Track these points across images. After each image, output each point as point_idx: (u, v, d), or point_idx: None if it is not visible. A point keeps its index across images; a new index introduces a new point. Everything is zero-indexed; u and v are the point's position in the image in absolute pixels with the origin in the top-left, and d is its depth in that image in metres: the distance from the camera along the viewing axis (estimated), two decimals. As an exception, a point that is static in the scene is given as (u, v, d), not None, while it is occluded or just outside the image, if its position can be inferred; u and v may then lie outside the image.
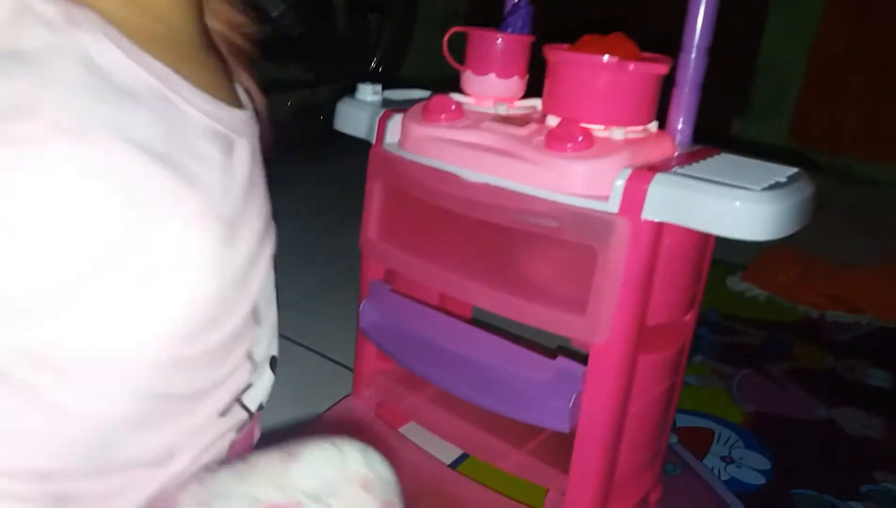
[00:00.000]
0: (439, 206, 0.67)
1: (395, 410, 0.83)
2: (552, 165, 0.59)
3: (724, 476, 0.84)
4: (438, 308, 0.76)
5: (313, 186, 1.68)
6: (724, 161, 0.63)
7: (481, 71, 0.72)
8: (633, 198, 0.56)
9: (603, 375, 0.60)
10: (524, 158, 0.61)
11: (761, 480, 0.84)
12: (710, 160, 0.62)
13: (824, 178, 2.28)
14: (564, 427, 0.62)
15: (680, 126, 0.67)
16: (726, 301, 1.31)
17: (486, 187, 0.62)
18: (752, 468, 0.86)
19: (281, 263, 0.58)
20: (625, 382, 0.61)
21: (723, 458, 0.87)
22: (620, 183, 0.56)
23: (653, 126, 0.65)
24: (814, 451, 0.91)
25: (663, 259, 0.59)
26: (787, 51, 2.34)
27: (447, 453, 0.81)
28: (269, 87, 1.88)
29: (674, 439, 0.90)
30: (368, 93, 0.78)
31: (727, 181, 0.55)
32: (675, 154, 0.64)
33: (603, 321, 0.58)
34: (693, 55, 0.64)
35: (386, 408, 0.83)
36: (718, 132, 2.51)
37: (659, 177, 0.55)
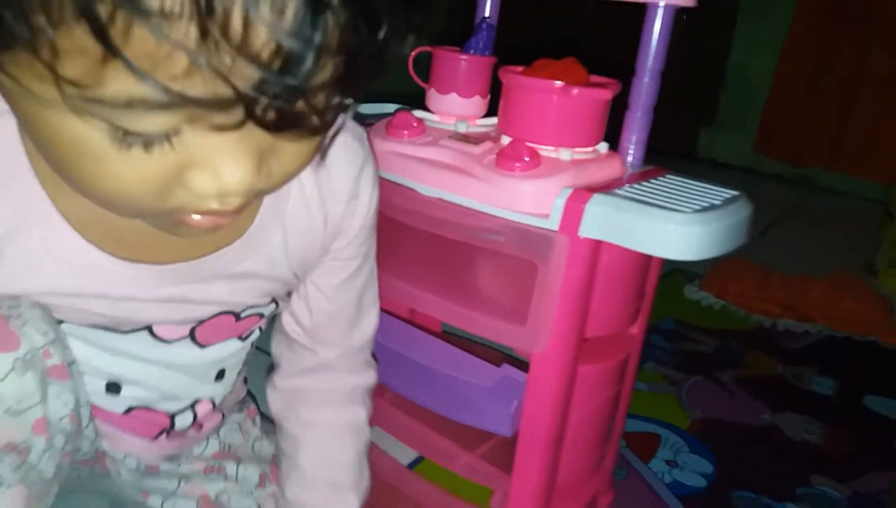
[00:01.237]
0: (396, 220, 0.70)
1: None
2: (500, 183, 0.62)
3: (668, 480, 0.88)
4: (408, 320, 0.78)
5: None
6: (668, 183, 0.66)
7: (444, 90, 0.75)
8: (572, 217, 0.59)
9: (542, 383, 0.63)
10: (475, 175, 0.64)
11: (703, 483, 0.88)
12: (653, 182, 0.66)
13: (788, 189, 2.35)
14: (506, 432, 0.65)
15: (631, 148, 0.70)
16: (682, 309, 1.35)
17: (440, 203, 0.65)
18: (695, 471, 0.90)
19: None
20: (564, 390, 0.64)
21: (667, 462, 0.91)
22: (560, 202, 0.59)
23: (602, 147, 0.69)
24: (755, 455, 0.95)
25: (602, 275, 0.62)
26: (755, 62, 2.39)
27: (406, 455, 0.84)
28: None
29: (622, 444, 0.93)
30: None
31: (661, 203, 0.59)
32: (623, 175, 0.68)
33: (542, 332, 0.61)
34: (646, 79, 0.67)
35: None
36: (686, 142, 2.57)
37: (596, 197, 0.59)
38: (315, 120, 0.32)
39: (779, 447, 0.98)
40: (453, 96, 0.74)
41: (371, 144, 0.70)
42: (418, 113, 0.75)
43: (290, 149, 0.36)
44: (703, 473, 0.90)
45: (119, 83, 0.28)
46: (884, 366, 1.24)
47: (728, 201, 0.61)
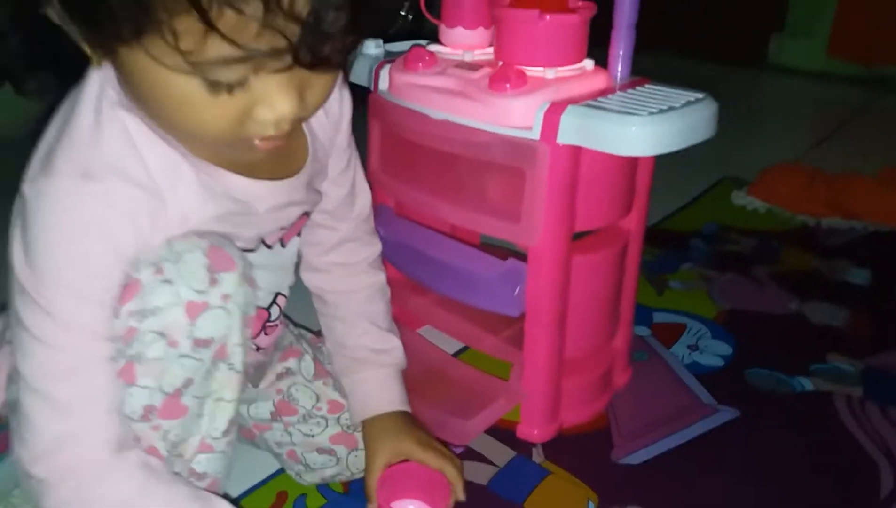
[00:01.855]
0: (415, 141, 0.82)
1: (412, 314, 1.00)
2: (493, 102, 0.73)
3: (687, 361, 0.98)
4: (448, 233, 0.91)
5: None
6: (644, 92, 0.75)
7: (451, 23, 0.86)
8: (550, 127, 0.69)
9: (540, 271, 0.75)
10: (473, 97, 0.75)
11: (720, 363, 0.98)
12: (631, 92, 0.75)
13: (862, 90, 2.28)
14: (514, 312, 0.78)
15: (618, 62, 0.79)
16: (727, 215, 1.41)
17: (446, 123, 0.77)
18: (715, 353, 0.99)
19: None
20: (559, 277, 0.76)
21: (689, 347, 1.01)
22: (540, 115, 0.70)
23: (588, 64, 0.78)
24: (775, 338, 1.03)
25: (584, 175, 0.73)
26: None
27: (451, 346, 0.98)
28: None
29: (647, 332, 1.04)
30: (371, 47, 0.93)
31: (626, 110, 0.68)
32: (606, 87, 0.77)
33: (534, 228, 0.73)
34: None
35: (404, 313, 1.00)
36: (756, 50, 2.52)
37: (570, 109, 0.69)
38: (338, 57, 0.46)
39: (800, 331, 1.05)
40: (459, 29, 0.85)
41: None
42: (433, 47, 0.86)
43: (320, 83, 0.50)
44: (722, 355, 0.99)
45: (215, 48, 0.42)
46: (924, 255, 1.27)
47: (689, 103, 0.70)
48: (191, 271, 0.52)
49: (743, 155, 1.70)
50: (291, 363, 0.76)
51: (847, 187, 1.41)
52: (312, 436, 0.73)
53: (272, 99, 0.47)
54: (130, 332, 0.52)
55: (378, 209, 0.92)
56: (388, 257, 0.92)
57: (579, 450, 0.81)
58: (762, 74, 2.48)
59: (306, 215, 0.67)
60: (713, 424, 0.86)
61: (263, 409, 0.74)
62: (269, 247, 0.64)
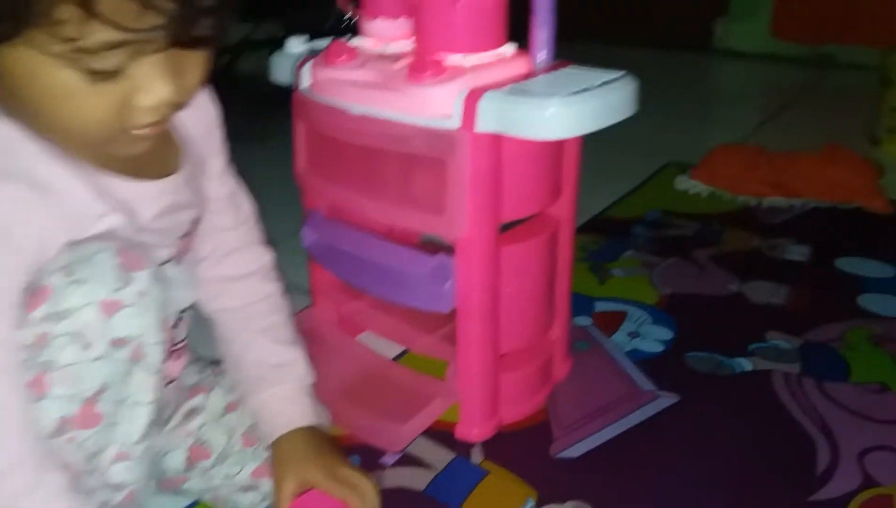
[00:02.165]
0: (339, 138, 0.80)
1: (349, 320, 0.97)
2: (411, 92, 0.71)
3: (627, 348, 0.97)
4: (384, 235, 0.87)
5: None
6: (564, 74, 0.74)
7: (371, 14, 0.83)
8: (469, 114, 0.68)
9: (468, 264, 0.73)
10: (392, 88, 0.73)
11: (661, 348, 0.97)
12: (551, 75, 0.74)
13: (808, 70, 2.31)
14: (444, 308, 0.76)
15: (538, 47, 0.78)
16: (671, 200, 1.41)
17: (366, 118, 0.75)
18: (655, 339, 0.99)
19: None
20: (489, 269, 0.74)
21: (630, 334, 1.00)
22: (458, 103, 0.68)
23: (508, 49, 0.76)
24: (716, 320, 1.03)
25: (507, 163, 0.71)
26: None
27: (394, 351, 0.96)
28: (244, 46, 2.00)
29: (588, 321, 1.03)
30: (296, 45, 0.90)
31: (543, 92, 0.67)
32: (527, 72, 0.75)
33: (459, 220, 0.71)
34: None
35: (342, 319, 0.97)
36: (701, 35, 2.54)
37: (487, 95, 0.67)
38: (212, 34, 0.48)
39: (740, 311, 1.05)
40: (380, 20, 0.82)
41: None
42: (355, 41, 0.84)
43: (195, 65, 0.51)
44: (663, 340, 0.99)
45: (96, 33, 0.43)
46: (861, 230, 1.28)
47: (607, 83, 0.69)
48: (102, 271, 0.51)
49: (689, 139, 1.70)
50: (199, 400, 0.71)
51: (788, 166, 1.42)
52: (233, 476, 0.69)
53: (151, 84, 0.48)
54: (41, 338, 0.50)
55: (308, 213, 0.90)
56: (321, 262, 0.90)
57: (519, 447, 0.80)
58: (708, 59, 2.50)
59: (195, 223, 0.65)
60: (653, 411, 0.85)
61: (178, 458, 0.69)
62: (166, 262, 0.62)
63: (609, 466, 0.77)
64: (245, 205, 0.73)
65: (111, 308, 0.51)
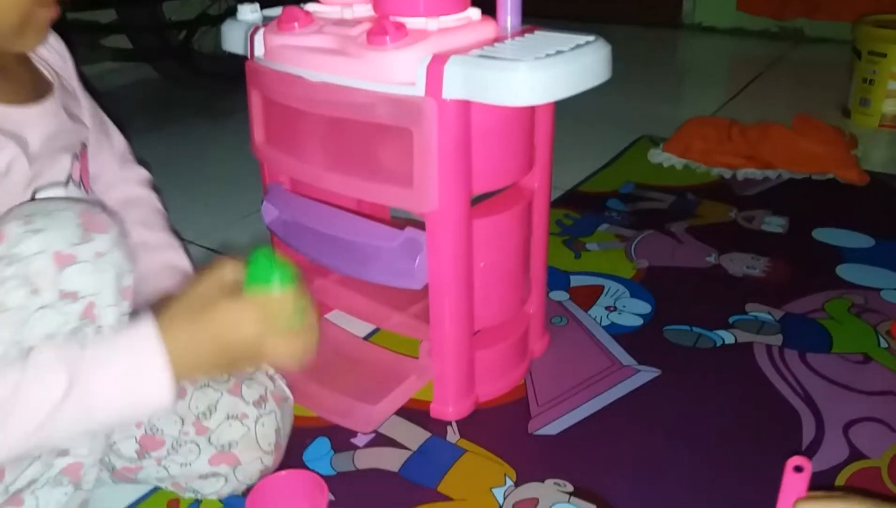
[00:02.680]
0: (297, 108, 0.76)
1: (316, 298, 0.93)
2: (372, 58, 0.67)
3: (605, 323, 0.94)
4: (353, 209, 0.84)
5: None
6: (532, 39, 0.70)
7: (329, -22, 0.79)
8: (434, 80, 0.64)
9: (439, 238, 0.70)
10: (351, 54, 0.69)
11: (639, 322, 0.95)
12: (519, 39, 0.70)
13: (775, 44, 2.30)
14: (416, 285, 0.73)
15: (506, 11, 0.74)
16: (645, 173, 1.39)
17: (325, 86, 0.71)
18: (633, 313, 0.96)
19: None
20: (460, 243, 0.71)
21: (607, 308, 0.98)
22: (423, 68, 0.64)
23: (474, 13, 0.73)
24: (694, 293, 1.01)
25: (478, 132, 0.68)
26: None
27: (364, 329, 0.92)
28: (200, 22, 1.93)
29: (565, 296, 1.00)
30: (247, 12, 0.85)
31: (511, 57, 0.63)
32: (493, 36, 0.72)
33: (428, 192, 0.67)
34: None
35: (314, 301, 0.93)
36: (670, 12, 2.52)
37: (453, 59, 0.64)
38: None
39: (719, 283, 1.03)
40: (337, -16, 0.78)
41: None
42: (309, 6, 0.80)
43: None
44: (641, 314, 0.96)
45: None
46: (836, 200, 1.27)
47: (578, 47, 0.65)
48: (62, 225, 0.50)
49: (661, 114, 1.68)
50: None
51: (761, 138, 1.41)
52: (190, 464, 0.66)
53: None
54: None
55: (269, 187, 0.86)
56: (284, 239, 0.86)
57: (496, 424, 0.77)
58: (678, 35, 2.49)
59: (84, 146, 0.66)
60: (633, 386, 0.83)
61: (128, 448, 0.66)
62: (77, 184, 0.63)
63: (589, 442, 0.74)
64: (116, 133, 0.75)
65: (65, 260, 0.50)
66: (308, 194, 0.82)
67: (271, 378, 0.70)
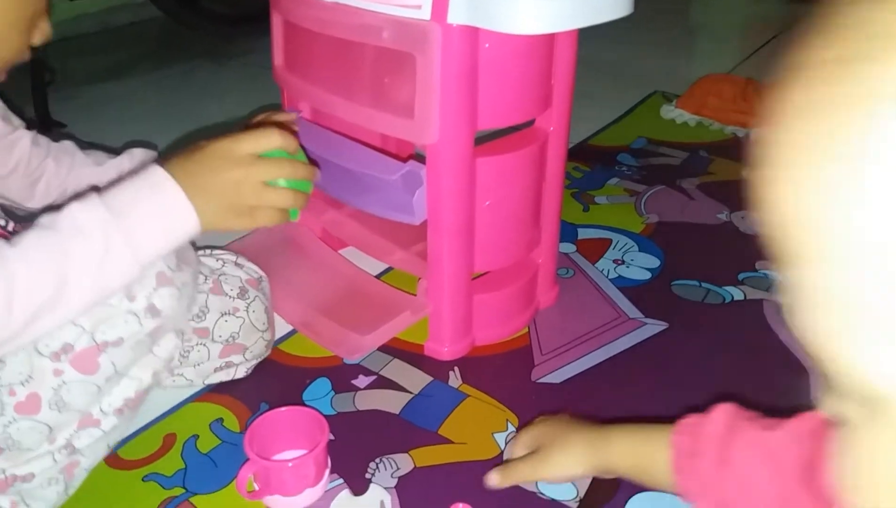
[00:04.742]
0: (312, 30, 0.72)
1: (329, 231, 0.91)
2: (378, -21, 0.64)
3: (612, 275, 0.92)
4: (377, 147, 0.80)
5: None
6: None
7: None
8: (440, 3, 0.61)
9: (438, 173, 0.67)
10: (359, -25, 0.65)
11: (647, 276, 0.92)
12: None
13: (796, 2, 2.24)
14: (415, 220, 0.70)
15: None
16: (657, 129, 1.35)
17: (337, 6, 0.67)
18: (641, 267, 0.94)
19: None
20: (462, 179, 0.68)
21: (615, 261, 0.95)
22: (429, -10, 0.61)
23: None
24: (704, 249, 0.98)
25: (486, 62, 0.64)
26: None
27: (377, 268, 0.90)
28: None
29: (572, 249, 0.98)
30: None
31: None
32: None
33: (429, 124, 0.64)
34: None
35: (328, 233, 0.91)
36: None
37: (462, -19, 0.60)
38: None
39: (730, 241, 1.00)
40: None
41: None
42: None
43: None
44: (650, 268, 0.94)
45: None
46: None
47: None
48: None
49: (675, 70, 1.64)
50: None
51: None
52: (202, 363, 0.70)
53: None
54: None
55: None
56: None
57: (498, 371, 0.75)
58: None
59: None
60: (639, 338, 0.80)
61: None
62: None
63: (591, 392, 0.72)
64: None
65: (163, 280, 0.54)
66: (326, 124, 0.79)
67: (239, 266, 0.73)
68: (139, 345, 0.55)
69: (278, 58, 0.80)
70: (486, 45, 0.64)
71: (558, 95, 0.74)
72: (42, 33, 0.58)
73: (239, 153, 0.56)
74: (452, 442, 0.66)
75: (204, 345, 0.68)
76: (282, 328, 0.80)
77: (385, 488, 0.62)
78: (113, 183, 0.53)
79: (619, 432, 0.53)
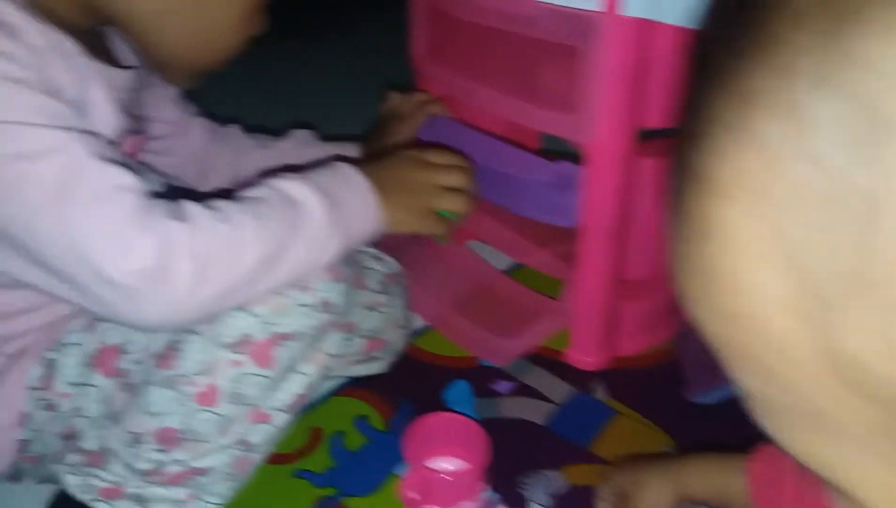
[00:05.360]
0: (461, 18, 0.70)
1: (461, 227, 0.88)
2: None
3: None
4: (500, 135, 0.78)
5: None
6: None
7: None
8: (613, -7, 0.57)
9: (597, 173, 0.63)
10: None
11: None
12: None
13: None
14: (566, 222, 0.67)
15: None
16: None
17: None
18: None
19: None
20: (618, 181, 0.64)
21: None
22: (601, -22, 0.57)
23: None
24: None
25: (659, 59, 0.60)
26: None
27: (502, 262, 0.87)
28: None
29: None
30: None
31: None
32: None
33: (592, 120, 0.61)
34: None
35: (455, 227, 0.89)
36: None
37: (640, -32, 0.56)
38: None
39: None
40: None
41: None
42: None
43: None
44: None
45: None
46: None
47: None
48: None
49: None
50: None
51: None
52: (345, 357, 0.67)
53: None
54: None
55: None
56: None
57: (646, 387, 0.71)
58: None
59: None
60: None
61: None
62: None
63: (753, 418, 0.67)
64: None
65: (335, 275, 0.53)
66: (461, 112, 0.77)
67: (379, 260, 0.71)
68: (310, 340, 0.53)
69: (419, 45, 0.78)
70: (660, 37, 0.59)
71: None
72: (259, 25, 0.57)
73: (424, 159, 0.61)
74: (607, 462, 0.63)
75: (350, 340, 0.67)
76: (415, 323, 0.78)
77: (541, 505, 0.59)
78: (290, 168, 0.55)
79: (696, 460, 0.53)
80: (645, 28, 0.58)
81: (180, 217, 0.46)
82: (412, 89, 0.81)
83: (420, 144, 0.72)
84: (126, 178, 0.45)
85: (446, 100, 0.79)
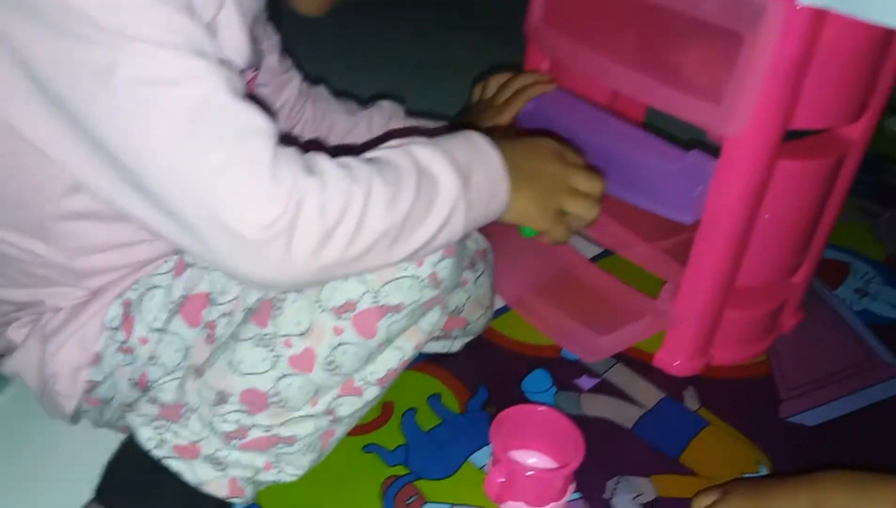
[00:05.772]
0: None
1: None
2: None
3: (857, 307, 0.81)
4: (605, 106, 0.74)
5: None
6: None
7: None
8: (795, -23, 0.51)
9: (732, 170, 0.59)
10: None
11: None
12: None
13: None
14: (687, 219, 0.62)
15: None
16: (880, 142, 1.20)
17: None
18: (889, 302, 0.83)
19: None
20: (756, 181, 0.59)
21: (857, 290, 0.84)
22: (782, -40, 0.52)
23: None
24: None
25: (822, 54, 0.55)
26: None
27: (589, 250, 0.84)
28: None
29: (806, 267, 0.87)
30: None
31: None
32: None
33: (738, 113, 0.56)
34: None
35: None
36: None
37: (828, -47, 0.51)
38: None
39: None
40: None
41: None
42: None
43: None
44: (897, 305, 0.83)
45: None
46: None
47: None
48: None
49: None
50: None
51: None
52: None
53: None
54: None
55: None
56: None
57: (738, 400, 0.67)
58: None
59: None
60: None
61: None
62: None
63: (853, 442, 0.63)
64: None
65: (449, 251, 0.49)
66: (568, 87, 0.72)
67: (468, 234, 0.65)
68: (412, 314, 0.49)
69: (538, 11, 0.72)
70: (830, 31, 0.54)
71: (874, 102, 0.64)
72: None
73: (562, 153, 0.55)
74: (697, 475, 0.59)
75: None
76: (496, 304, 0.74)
77: (629, 514, 0.56)
78: (372, 138, 0.51)
79: (830, 482, 0.50)
80: (817, 20, 0.53)
81: (312, 171, 0.41)
82: (519, 70, 0.75)
83: (519, 130, 0.66)
84: (260, 119, 0.40)
85: (553, 70, 0.73)
